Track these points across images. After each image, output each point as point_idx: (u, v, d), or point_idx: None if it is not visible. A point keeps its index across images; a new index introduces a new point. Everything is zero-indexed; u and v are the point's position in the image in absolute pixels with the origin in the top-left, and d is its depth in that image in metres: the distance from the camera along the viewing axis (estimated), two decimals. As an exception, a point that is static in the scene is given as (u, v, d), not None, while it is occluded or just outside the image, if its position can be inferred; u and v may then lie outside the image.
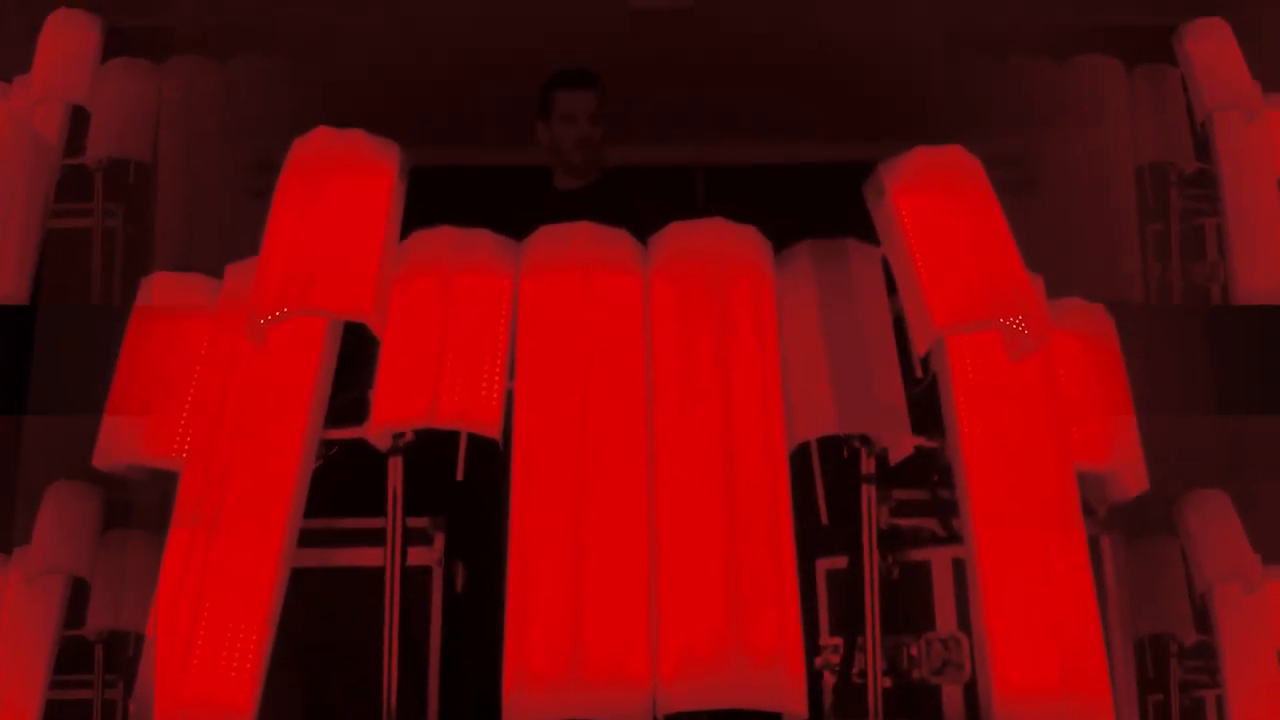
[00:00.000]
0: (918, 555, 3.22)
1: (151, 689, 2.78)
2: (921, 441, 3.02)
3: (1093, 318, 3.32)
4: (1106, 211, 3.76)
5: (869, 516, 3.05)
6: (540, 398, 2.86)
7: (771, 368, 2.91)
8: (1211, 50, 3.77)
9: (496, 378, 2.91)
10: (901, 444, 2.97)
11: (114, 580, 3.55)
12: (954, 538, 3.15)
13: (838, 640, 3.20)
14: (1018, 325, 2.88)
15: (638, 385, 2.88)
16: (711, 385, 2.86)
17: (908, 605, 3.19)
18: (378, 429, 2.90)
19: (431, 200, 3.18)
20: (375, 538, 3.08)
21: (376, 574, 3.07)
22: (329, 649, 3.23)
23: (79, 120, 3.86)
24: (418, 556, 3.18)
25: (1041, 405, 3.04)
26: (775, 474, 2.82)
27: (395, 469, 2.97)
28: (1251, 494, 3.53)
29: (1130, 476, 3.25)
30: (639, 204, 3.98)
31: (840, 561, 3.21)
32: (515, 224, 3.91)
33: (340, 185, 2.97)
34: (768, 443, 2.84)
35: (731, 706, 2.63)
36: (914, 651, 3.17)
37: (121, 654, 3.56)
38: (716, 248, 2.98)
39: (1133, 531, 3.37)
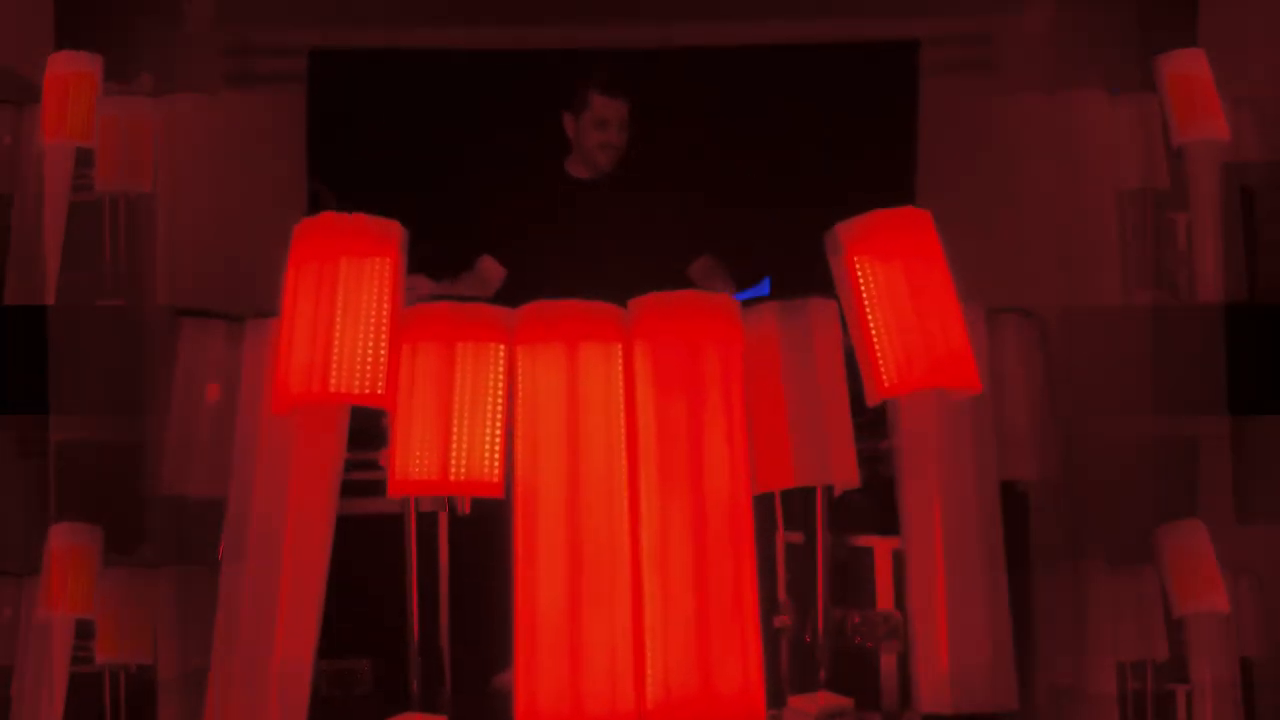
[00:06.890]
0: (862, 541, 3.76)
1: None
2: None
3: (1023, 332, 3.75)
4: (1088, 231, 4.12)
5: (820, 508, 3.57)
6: (536, 460, 3.27)
7: (739, 427, 3.31)
8: (1187, 83, 4.01)
9: (497, 442, 3.31)
10: (849, 484, 3.43)
11: (117, 615, 3.83)
12: (894, 529, 3.67)
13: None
14: (951, 388, 3.33)
15: (620, 449, 3.28)
16: (685, 446, 3.28)
17: (853, 583, 3.76)
18: (394, 494, 3.33)
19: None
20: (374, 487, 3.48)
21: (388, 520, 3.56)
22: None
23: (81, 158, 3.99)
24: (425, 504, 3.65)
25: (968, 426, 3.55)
26: (740, 529, 3.27)
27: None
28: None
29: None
30: (650, 198, 4.17)
31: (797, 537, 3.76)
32: (527, 207, 4.09)
33: (349, 268, 3.26)
34: (733, 500, 3.27)
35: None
36: (856, 620, 3.75)
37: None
38: (691, 318, 3.32)
39: (1116, 560, 3.91)
